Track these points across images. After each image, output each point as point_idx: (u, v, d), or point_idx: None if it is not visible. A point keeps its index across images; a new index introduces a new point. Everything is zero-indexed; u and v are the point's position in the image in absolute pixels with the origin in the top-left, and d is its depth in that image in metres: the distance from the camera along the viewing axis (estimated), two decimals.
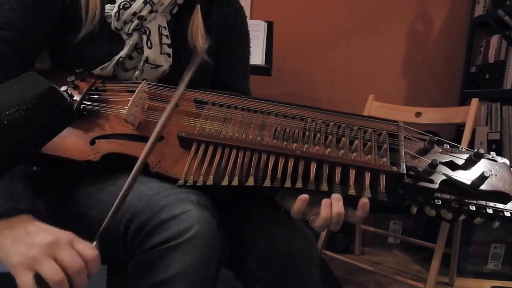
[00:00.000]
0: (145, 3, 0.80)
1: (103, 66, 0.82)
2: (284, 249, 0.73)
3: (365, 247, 2.13)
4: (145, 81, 0.81)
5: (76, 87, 0.79)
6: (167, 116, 0.69)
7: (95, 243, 0.60)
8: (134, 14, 0.80)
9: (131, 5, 0.80)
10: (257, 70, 1.74)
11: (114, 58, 0.82)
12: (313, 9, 2.28)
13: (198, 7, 0.89)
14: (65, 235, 0.59)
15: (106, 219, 0.60)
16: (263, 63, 1.81)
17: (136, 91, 0.77)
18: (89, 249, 0.59)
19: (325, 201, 0.65)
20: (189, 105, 0.78)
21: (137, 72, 0.83)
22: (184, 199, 0.66)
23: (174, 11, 0.87)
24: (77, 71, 0.81)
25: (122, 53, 0.82)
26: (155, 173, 0.71)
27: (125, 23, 0.81)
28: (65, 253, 0.57)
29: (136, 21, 0.81)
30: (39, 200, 0.86)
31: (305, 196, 0.65)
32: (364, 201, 0.64)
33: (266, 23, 1.91)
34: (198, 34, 0.88)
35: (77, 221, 0.77)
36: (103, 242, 0.63)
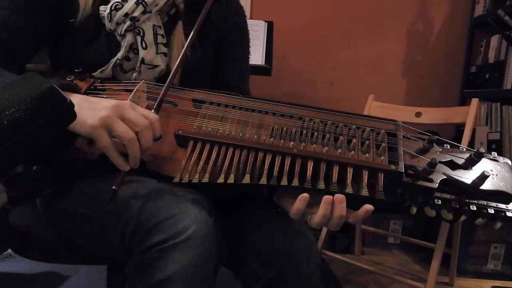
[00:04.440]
0: (137, 4, 0.80)
1: (102, 69, 0.81)
2: (284, 249, 0.73)
3: (365, 247, 2.12)
4: (143, 80, 0.81)
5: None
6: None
7: (153, 110, 0.68)
8: (126, 15, 0.80)
9: (123, 6, 0.80)
10: (257, 70, 1.74)
11: (112, 60, 0.82)
12: (313, 9, 2.28)
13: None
14: (126, 101, 0.65)
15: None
16: (263, 63, 1.81)
17: (134, 90, 0.77)
18: (150, 111, 0.66)
19: (326, 198, 0.63)
20: (187, 105, 0.78)
21: (135, 74, 0.83)
22: (181, 199, 0.66)
23: (172, 12, 0.87)
24: (76, 70, 0.81)
25: (119, 54, 0.81)
26: (152, 172, 0.71)
27: (118, 24, 0.81)
28: (131, 112, 0.64)
29: (128, 22, 0.80)
30: (38, 199, 0.87)
31: (305, 195, 0.64)
32: (369, 207, 0.63)
33: (266, 23, 1.91)
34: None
35: (76, 220, 0.77)
36: (103, 237, 0.62)
